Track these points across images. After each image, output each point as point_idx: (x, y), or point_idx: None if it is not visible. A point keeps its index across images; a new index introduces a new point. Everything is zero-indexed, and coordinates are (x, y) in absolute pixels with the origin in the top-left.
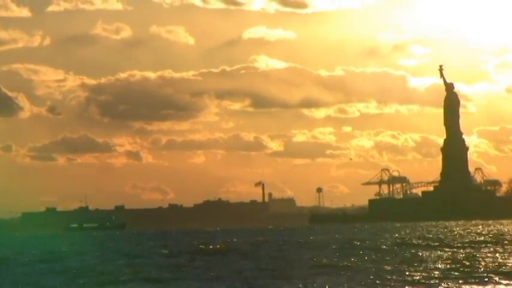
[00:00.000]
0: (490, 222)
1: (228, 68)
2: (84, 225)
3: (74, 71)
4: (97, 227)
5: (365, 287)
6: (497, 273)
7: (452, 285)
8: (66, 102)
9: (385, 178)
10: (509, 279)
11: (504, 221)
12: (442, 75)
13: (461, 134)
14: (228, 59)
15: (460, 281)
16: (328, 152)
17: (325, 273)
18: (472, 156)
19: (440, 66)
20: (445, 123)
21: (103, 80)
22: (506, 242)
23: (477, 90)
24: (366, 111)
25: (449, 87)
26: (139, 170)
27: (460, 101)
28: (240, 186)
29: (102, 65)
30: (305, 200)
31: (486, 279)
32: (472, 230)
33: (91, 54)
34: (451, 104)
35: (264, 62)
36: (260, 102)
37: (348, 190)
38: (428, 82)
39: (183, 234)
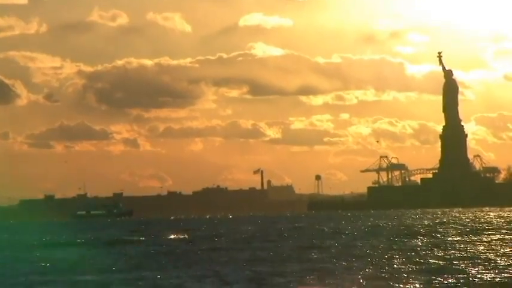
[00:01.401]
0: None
1: (225, 55)
2: (92, 212)
3: (71, 58)
4: (104, 214)
5: None
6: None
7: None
8: (63, 90)
9: (384, 165)
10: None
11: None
12: (440, 62)
13: (460, 121)
14: (225, 46)
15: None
16: (326, 139)
17: None
18: (470, 143)
19: (439, 53)
20: (444, 111)
21: (100, 68)
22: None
23: (475, 77)
24: (364, 99)
25: (448, 74)
26: (137, 157)
27: (458, 88)
28: (238, 174)
29: (99, 52)
30: (304, 187)
31: None
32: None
33: (87, 41)
34: (450, 91)
35: (261, 49)
36: (258, 90)
37: (346, 177)
38: (426, 69)
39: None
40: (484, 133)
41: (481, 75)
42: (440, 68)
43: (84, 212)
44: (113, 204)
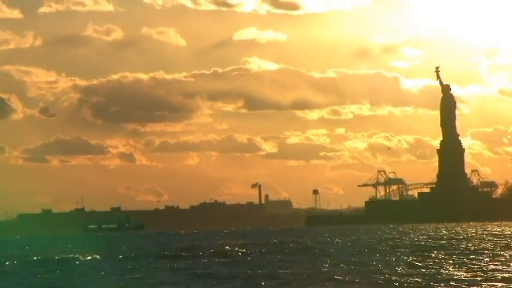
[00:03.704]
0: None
1: (220, 70)
2: (103, 225)
3: (66, 73)
4: (116, 228)
5: None
6: None
7: None
8: (58, 104)
9: (382, 180)
10: None
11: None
12: (438, 76)
13: (457, 135)
14: (219, 60)
15: None
16: (322, 153)
17: None
18: (466, 157)
19: (437, 67)
20: (442, 125)
21: (95, 82)
22: None
23: (470, 92)
24: (359, 113)
25: (445, 88)
26: (134, 171)
27: (456, 102)
28: (235, 188)
29: (94, 66)
30: (301, 201)
31: None
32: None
33: (82, 55)
34: (448, 105)
35: (256, 64)
36: (253, 104)
37: (342, 191)
38: (421, 84)
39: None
40: (480, 148)
41: (476, 90)
42: (437, 82)
43: (95, 226)
44: (124, 217)
